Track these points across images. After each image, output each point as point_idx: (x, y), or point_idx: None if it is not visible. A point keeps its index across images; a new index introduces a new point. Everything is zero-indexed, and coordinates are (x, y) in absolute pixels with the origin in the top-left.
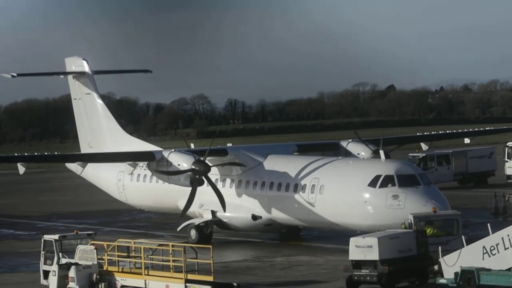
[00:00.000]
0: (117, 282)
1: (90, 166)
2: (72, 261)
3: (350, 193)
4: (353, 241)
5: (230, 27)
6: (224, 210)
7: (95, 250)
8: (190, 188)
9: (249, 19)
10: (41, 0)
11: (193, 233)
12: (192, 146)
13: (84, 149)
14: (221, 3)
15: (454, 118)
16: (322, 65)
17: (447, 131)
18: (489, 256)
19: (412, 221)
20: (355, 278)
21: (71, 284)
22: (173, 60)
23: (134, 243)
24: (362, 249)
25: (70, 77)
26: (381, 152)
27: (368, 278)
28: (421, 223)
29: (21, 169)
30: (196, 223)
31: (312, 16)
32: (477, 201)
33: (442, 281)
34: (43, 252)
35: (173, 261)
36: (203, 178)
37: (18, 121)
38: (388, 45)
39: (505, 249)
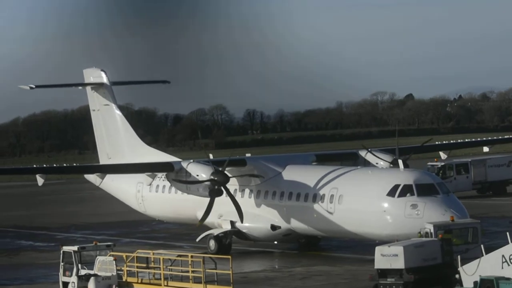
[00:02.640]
0: None
1: (109, 177)
2: (91, 272)
3: (369, 202)
4: (378, 249)
5: (247, 37)
6: (242, 221)
7: (114, 261)
8: (208, 199)
9: (266, 29)
10: (60, 12)
11: (212, 243)
12: (211, 156)
13: (103, 160)
14: (239, 12)
15: (473, 127)
16: (340, 75)
17: (466, 140)
18: (508, 265)
19: (432, 230)
20: (381, 287)
21: None
22: (192, 71)
23: (153, 254)
24: (388, 258)
25: (88, 88)
26: (400, 162)
27: (394, 286)
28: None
29: (40, 180)
30: (215, 234)
31: (328, 26)
32: (496, 210)
33: None
34: (62, 264)
35: (192, 271)
36: (222, 188)
37: (37, 132)
38: (406, 54)
39: None
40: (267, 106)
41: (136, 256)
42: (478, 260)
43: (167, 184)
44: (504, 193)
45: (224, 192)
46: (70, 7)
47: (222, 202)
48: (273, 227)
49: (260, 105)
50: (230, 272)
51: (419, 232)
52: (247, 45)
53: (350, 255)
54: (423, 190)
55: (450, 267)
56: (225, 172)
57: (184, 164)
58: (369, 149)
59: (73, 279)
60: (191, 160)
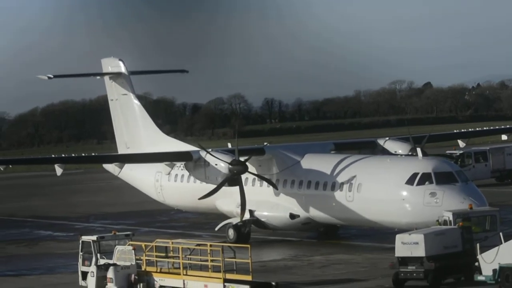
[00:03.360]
0: (155, 282)
1: (128, 166)
2: (111, 261)
3: (388, 191)
4: (399, 238)
5: (266, 25)
6: (243, 215)
7: (133, 251)
8: (227, 188)
9: (285, 18)
10: (79, 2)
11: (231, 232)
12: (229, 145)
13: (121, 150)
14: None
15: (491, 115)
16: (359, 63)
17: (484, 128)
18: None
19: (451, 218)
20: (402, 275)
21: (109, 285)
22: (210, 60)
23: (172, 243)
24: (408, 246)
25: (106, 78)
26: (418, 150)
27: (414, 274)
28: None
29: (59, 170)
30: (234, 223)
31: (347, 14)
32: None
33: (480, 278)
34: (81, 253)
35: (211, 260)
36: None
37: (55, 122)
38: (424, 42)
39: None
40: (285, 95)
41: (155, 246)
42: (497, 248)
43: (186, 173)
44: None
45: (243, 181)
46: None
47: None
48: (292, 216)
49: (278, 93)
50: (249, 261)
51: (437, 220)
52: (265, 34)
53: (369, 243)
54: (442, 178)
55: (470, 255)
56: (245, 162)
57: (202, 154)
58: (411, 135)
59: (92, 268)
60: (210, 149)
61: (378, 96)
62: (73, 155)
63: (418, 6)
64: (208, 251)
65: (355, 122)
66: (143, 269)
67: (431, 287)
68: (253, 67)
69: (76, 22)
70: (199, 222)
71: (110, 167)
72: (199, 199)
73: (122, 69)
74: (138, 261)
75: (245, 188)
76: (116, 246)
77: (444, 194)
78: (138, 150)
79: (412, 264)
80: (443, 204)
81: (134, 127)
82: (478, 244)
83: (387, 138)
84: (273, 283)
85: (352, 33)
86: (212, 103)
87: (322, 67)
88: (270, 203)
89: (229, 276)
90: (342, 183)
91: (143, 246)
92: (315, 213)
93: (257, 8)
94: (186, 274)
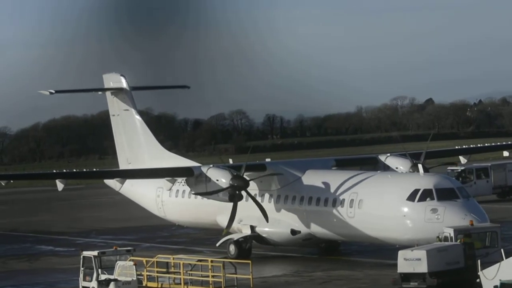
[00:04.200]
0: None
1: (129, 182)
2: (112, 277)
3: (389, 207)
4: (401, 254)
5: (268, 42)
6: (267, 221)
7: (134, 266)
8: (228, 204)
9: (286, 34)
10: (79, 16)
11: (232, 248)
12: (231, 161)
13: (123, 165)
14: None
15: (493, 131)
16: (360, 80)
17: (486, 144)
18: None
19: (453, 234)
20: None
21: None
22: (211, 76)
23: (173, 258)
24: (411, 262)
25: (108, 93)
26: (420, 166)
27: None
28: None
29: (60, 185)
30: (235, 238)
31: (349, 31)
32: None
33: None
34: (82, 268)
35: (213, 276)
36: (242, 193)
37: (57, 137)
38: (426, 58)
39: None
40: (287, 111)
41: (156, 261)
42: (498, 264)
43: (187, 189)
44: None
45: (244, 196)
46: (90, 12)
47: (242, 207)
48: (293, 232)
49: (280, 110)
50: (250, 276)
51: (438, 236)
52: (267, 50)
53: (370, 259)
54: (443, 194)
55: (472, 271)
56: (245, 176)
57: (204, 169)
58: (407, 151)
59: (93, 284)
60: (211, 165)
61: (379, 112)
62: (74, 170)
63: (419, 21)
64: (209, 267)
65: (357, 138)
66: (144, 284)
67: None
68: (254, 83)
69: (78, 37)
70: (200, 238)
71: (111, 183)
72: (224, 233)
73: (124, 84)
74: (139, 277)
75: (246, 203)
76: (117, 262)
77: (446, 210)
78: (140, 166)
79: (415, 280)
80: (445, 221)
81: (135, 142)
82: (479, 261)
83: (389, 154)
84: None
85: (354, 50)
86: (214, 119)
87: (324, 83)
88: (271, 219)
89: None
90: (343, 199)
91: (144, 261)
92: (316, 229)
93: (259, 25)
94: None
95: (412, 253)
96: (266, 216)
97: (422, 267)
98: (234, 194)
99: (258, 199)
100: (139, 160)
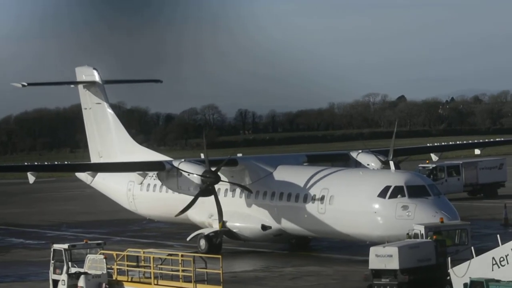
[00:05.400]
0: None
1: (100, 175)
2: (82, 270)
3: (360, 203)
4: (373, 250)
5: (240, 38)
6: (220, 221)
7: (104, 260)
8: (199, 198)
9: (259, 30)
10: (52, 10)
11: (202, 243)
12: (202, 156)
13: (94, 158)
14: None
15: (465, 129)
16: (333, 76)
17: (458, 142)
18: (499, 267)
19: (423, 231)
20: (375, 287)
21: None
22: (184, 70)
23: (144, 252)
24: (382, 258)
25: (80, 86)
26: (391, 163)
27: (388, 287)
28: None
29: (31, 178)
30: (206, 233)
31: (322, 28)
32: (487, 212)
33: None
34: (53, 261)
35: (183, 271)
36: (212, 188)
37: (29, 130)
38: (398, 55)
39: None
40: (259, 106)
41: (127, 255)
42: (468, 262)
43: (158, 183)
44: (495, 195)
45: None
46: (63, 5)
47: (213, 202)
48: (264, 227)
49: (252, 105)
50: (220, 271)
51: (408, 233)
52: (239, 46)
53: (341, 255)
54: (414, 191)
55: (444, 269)
56: (218, 172)
57: (175, 164)
58: (370, 149)
59: (63, 277)
60: (183, 160)
61: (351, 108)
62: (46, 163)
63: (392, 20)
64: (180, 261)
65: (328, 134)
66: (114, 278)
67: None
68: (227, 79)
69: (51, 30)
70: (170, 232)
71: (83, 176)
72: (176, 216)
73: (96, 78)
74: (109, 270)
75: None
76: (88, 255)
77: (416, 207)
78: (111, 159)
79: (386, 276)
80: (415, 218)
81: (107, 136)
82: (449, 258)
83: (360, 151)
84: None
85: (326, 47)
86: (186, 113)
87: (296, 79)
88: (242, 214)
89: (200, 286)
90: (314, 195)
91: (114, 255)
92: (287, 225)
93: (231, 21)
94: (157, 284)
95: (383, 249)
96: (221, 217)
97: (394, 264)
98: (204, 189)
99: (229, 194)
100: (111, 154)
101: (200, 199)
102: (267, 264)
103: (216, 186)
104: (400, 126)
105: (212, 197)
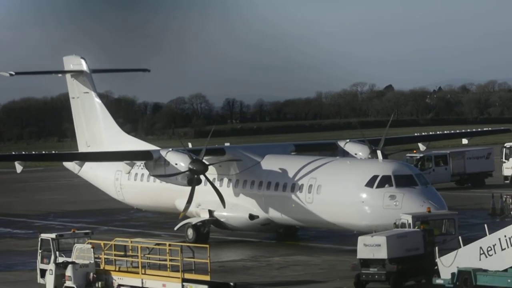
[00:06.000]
0: (114, 281)
1: (88, 165)
2: (69, 260)
3: (347, 193)
4: (361, 239)
5: (227, 26)
6: (224, 206)
7: (92, 249)
8: (187, 188)
9: (246, 18)
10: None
11: (190, 232)
12: (190, 145)
13: (82, 148)
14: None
15: (452, 119)
16: (320, 66)
17: (445, 132)
18: (486, 257)
19: (410, 221)
20: (363, 276)
21: (68, 283)
22: (171, 59)
23: (131, 242)
24: (371, 248)
25: (68, 76)
26: (379, 153)
27: (376, 276)
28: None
29: (19, 167)
30: (193, 223)
31: (310, 16)
32: (475, 202)
33: (438, 281)
34: (40, 251)
35: (170, 260)
36: (201, 177)
37: (16, 119)
38: (386, 45)
39: (502, 249)
40: (246, 96)
41: (114, 244)
42: (455, 251)
43: (146, 172)
44: (483, 185)
45: (203, 181)
46: None
47: (201, 191)
48: (251, 217)
49: (239, 94)
50: (208, 261)
51: (395, 223)
52: (227, 34)
53: (328, 245)
54: (402, 181)
55: (432, 258)
56: (204, 160)
57: (163, 153)
58: (365, 138)
59: (51, 266)
60: (170, 149)
61: (339, 98)
62: (33, 152)
63: (382, 10)
64: (167, 251)
65: (316, 123)
66: (101, 267)
67: None
68: (214, 68)
69: (39, 19)
70: (158, 222)
71: (70, 165)
72: (181, 216)
73: (84, 67)
74: (97, 260)
75: (204, 188)
76: (75, 244)
77: (404, 197)
78: (99, 149)
79: (374, 266)
80: (403, 207)
81: (95, 125)
82: (436, 248)
83: (348, 140)
84: (232, 284)
85: (314, 36)
86: (173, 102)
87: (284, 68)
88: (229, 204)
89: (187, 276)
90: (302, 185)
91: (102, 244)
92: (274, 214)
93: (218, 9)
94: (145, 273)
95: (372, 239)
96: (223, 201)
97: (382, 253)
98: (192, 178)
99: (217, 183)
100: (98, 143)
101: (188, 188)
102: (255, 253)
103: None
104: (388, 115)
105: (200, 186)
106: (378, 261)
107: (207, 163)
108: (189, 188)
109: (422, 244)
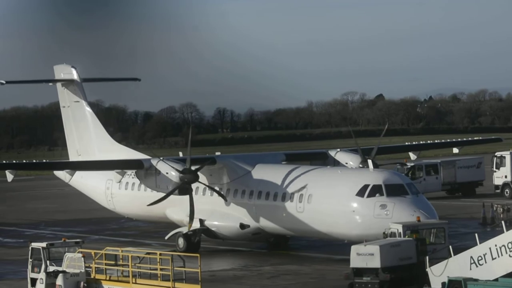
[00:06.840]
0: None
1: (78, 174)
2: (60, 269)
3: (338, 202)
4: (354, 248)
5: (218, 36)
6: (191, 223)
7: (82, 258)
8: (178, 197)
9: (236, 29)
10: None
11: (181, 241)
12: (181, 154)
13: (73, 157)
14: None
15: (443, 128)
16: (311, 74)
17: (436, 141)
18: (477, 266)
19: (400, 230)
20: (356, 286)
21: None
22: (162, 69)
23: (122, 251)
24: (364, 257)
25: (58, 84)
26: (369, 162)
27: (369, 285)
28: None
29: (9, 176)
30: (184, 232)
31: (301, 26)
32: (465, 211)
33: None
34: (31, 260)
35: (161, 269)
36: (191, 186)
37: (6, 128)
38: (378, 54)
39: (493, 259)
40: (237, 105)
41: (105, 253)
42: (446, 261)
43: (137, 181)
44: (473, 194)
45: (194, 190)
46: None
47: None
48: (242, 226)
49: (230, 103)
50: (199, 270)
51: (384, 232)
52: (217, 44)
53: (319, 254)
54: (392, 190)
55: (424, 267)
56: (196, 171)
57: (154, 162)
58: (359, 147)
59: (42, 275)
60: (161, 158)
61: (330, 107)
62: (24, 161)
63: (372, 19)
64: (158, 260)
65: (307, 133)
66: (92, 276)
67: None
68: (205, 77)
69: (29, 28)
70: (149, 231)
71: (61, 174)
72: (148, 205)
73: (75, 76)
74: (88, 269)
75: (195, 197)
76: (66, 253)
77: (395, 206)
78: (90, 158)
79: (367, 275)
80: (393, 216)
81: (85, 134)
82: (427, 257)
83: (338, 150)
84: None
85: (304, 45)
86: (164, 111)
87: (275, 77)
88: (220, 213)
89: (178, 285)
90: (293, 194)
91: (92, 253)
92: (265, 224)
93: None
94: (135, 283)
95: (365, 248)
96: (193, 217)
97: (375, 262)
98: (183, 188)
99: (208, 192)
100: (89, 152)
101: (179, 198)
102: (246, 263)
103: (195, 185)
104: (379, 124)
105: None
106: (371, 270)
107: (198, 172)
108: (180, 197)
109: (415, 253)
